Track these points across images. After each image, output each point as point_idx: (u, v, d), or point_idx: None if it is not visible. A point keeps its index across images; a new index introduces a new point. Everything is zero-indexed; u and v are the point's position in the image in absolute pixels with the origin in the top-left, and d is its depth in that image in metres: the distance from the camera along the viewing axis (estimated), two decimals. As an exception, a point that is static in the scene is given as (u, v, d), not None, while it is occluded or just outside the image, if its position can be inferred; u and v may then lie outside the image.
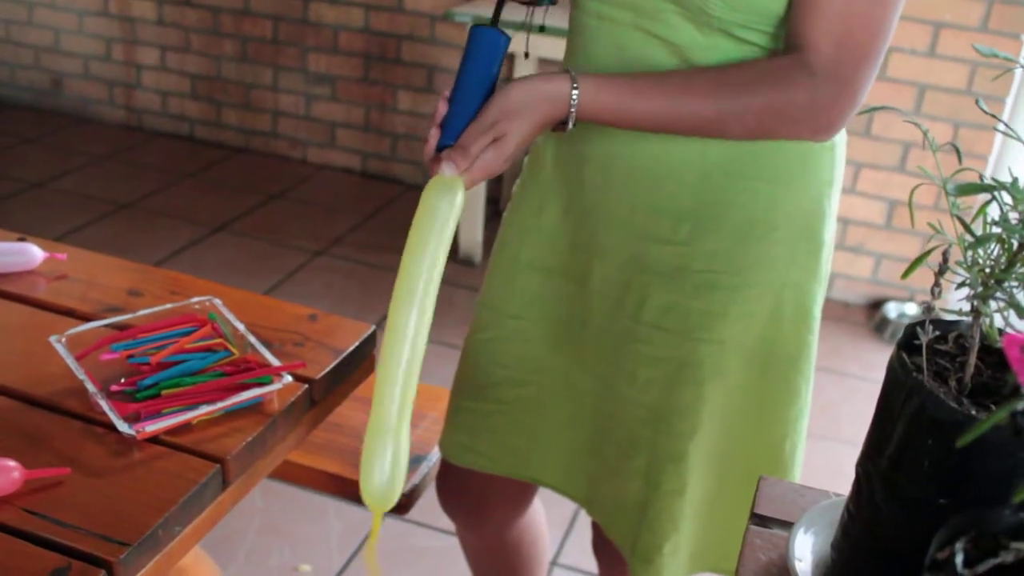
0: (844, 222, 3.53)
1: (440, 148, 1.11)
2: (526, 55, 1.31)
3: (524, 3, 1.23)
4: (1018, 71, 3.20)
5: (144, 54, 4.44)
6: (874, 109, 0.78)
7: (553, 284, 1.38)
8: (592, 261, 1.32)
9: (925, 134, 0.71)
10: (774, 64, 1.13)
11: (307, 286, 3.28)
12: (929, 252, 0.69)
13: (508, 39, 1.14)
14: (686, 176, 1.22)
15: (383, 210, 3.88)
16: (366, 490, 1.03)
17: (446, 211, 1.07)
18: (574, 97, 1.11)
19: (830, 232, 1.29)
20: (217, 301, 1.34)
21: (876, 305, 3.57)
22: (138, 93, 4.51)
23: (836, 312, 3.50)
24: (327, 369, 1.29)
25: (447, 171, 1.08)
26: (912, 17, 3.25)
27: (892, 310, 3.47)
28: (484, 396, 1.45)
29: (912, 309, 3.49)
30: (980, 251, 0.69)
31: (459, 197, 1.08)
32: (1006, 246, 0.69)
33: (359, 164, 4.24)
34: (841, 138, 1.27)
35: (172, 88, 4.44)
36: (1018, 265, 0.69)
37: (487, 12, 3.20)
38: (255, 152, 4.37)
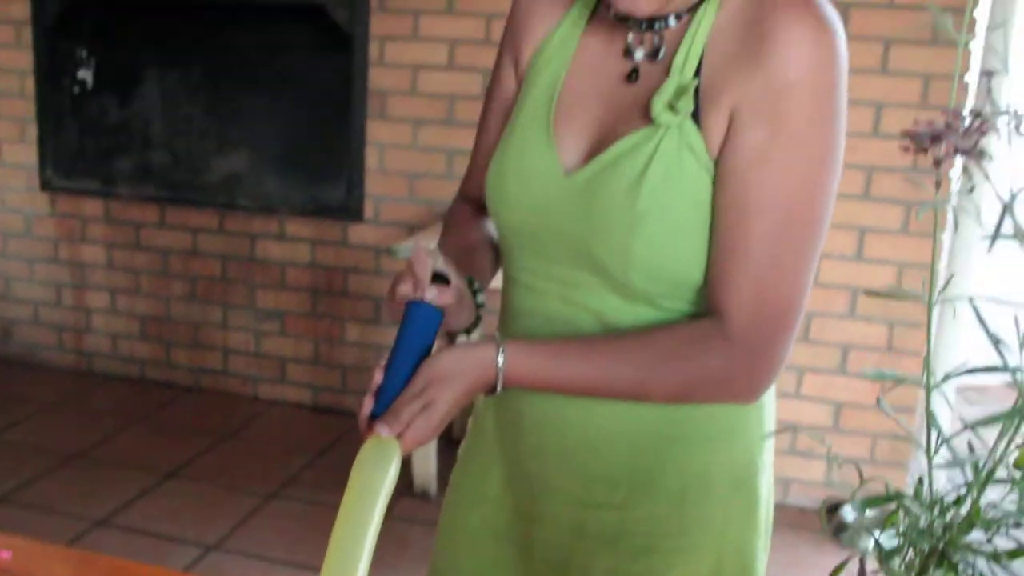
0: (793, 428, 3.57)
1: (373, 416, 1.13)
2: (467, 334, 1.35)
3: (447, 333, 1.27)
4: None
5: (94, 298, 4.49)
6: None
7: (501, 550, 1.38)
8: (535, 528, 1.33)
9: (827, 451, 0.74)
10: (694, 329, 1.17)
11: (260, 533, 3.22)
12: (844, 564, 0.72)
13: (442, 313, 1.19)
14: (619, 442, 1.25)
15: (336, 445, 3.87)
16: None
17: (379, 481, 1.08)
18: (500, 363, 1.15)
19: (766, 484, 1.31)
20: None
21: (833, 508, 3.57)
22: (88, 337, 4.53)
23: (792, 518, 3.50)
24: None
25: (383, 431, 1.11)
26: (838, 224, 3.39)
27: (849, 512, 3.47)
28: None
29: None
30: (895, 560, 0.72)
31: (394, 463, 1.10)
32: (916, 552, 0.72)
33: (310, 398, 4.25)
34: (770, 392, 1.31)
35: (122, 330, 4.48)
36: (931, 570, 0.71)
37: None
38: (206, 390, 4.38)
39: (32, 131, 4.39)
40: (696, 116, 1.15)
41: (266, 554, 2.73)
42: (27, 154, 4.42)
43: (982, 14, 3.22)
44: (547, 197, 1.22)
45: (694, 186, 1.15)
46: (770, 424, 1.32)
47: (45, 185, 4.39)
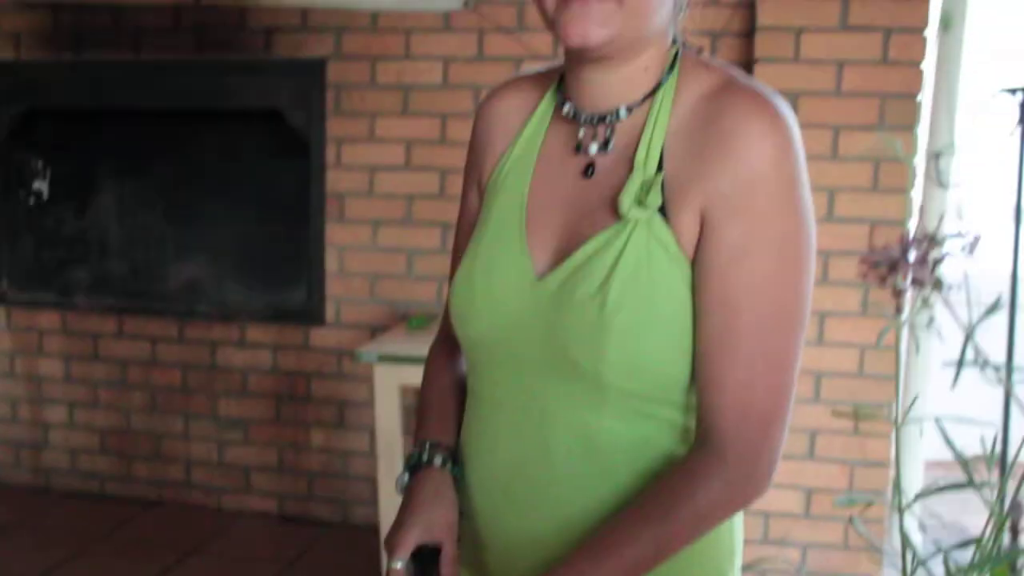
0: (764, 516, 3.53)
1: None
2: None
3: None
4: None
5: (52, 412, 4.39)
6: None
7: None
8: None
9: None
10: (684, 471, 1.16)
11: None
12: None
13: None
14: None
15: (304, 556, 3.77)
16: None
17: None
18: None
19: None
20: None
21: (810, 598, 3.52)
22: (46, 453, 4.43)
23: (771, 608, 3.44)
24: None
25: None
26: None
27: (827, 604, 3.42)
28: None
29: (849, 596, 3.45)
30: None
31: None
32: None
33: (276, 507, 4.16)
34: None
35: (81, 445, 4.37)
36: None
37: (390, 350, 3.27)
38: (168, 504, 4.27)
39: (-14, 245, 4.34)
40: (663, 211, 1.16)
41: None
42: (-18, 268, 4.37)
43: (926, 98, 3.28)
44: (519, 303, 1.22)
45: (665, 279, 1.15)
46: (739, 539, 1.30)
47: (0, 299, 4.33)
